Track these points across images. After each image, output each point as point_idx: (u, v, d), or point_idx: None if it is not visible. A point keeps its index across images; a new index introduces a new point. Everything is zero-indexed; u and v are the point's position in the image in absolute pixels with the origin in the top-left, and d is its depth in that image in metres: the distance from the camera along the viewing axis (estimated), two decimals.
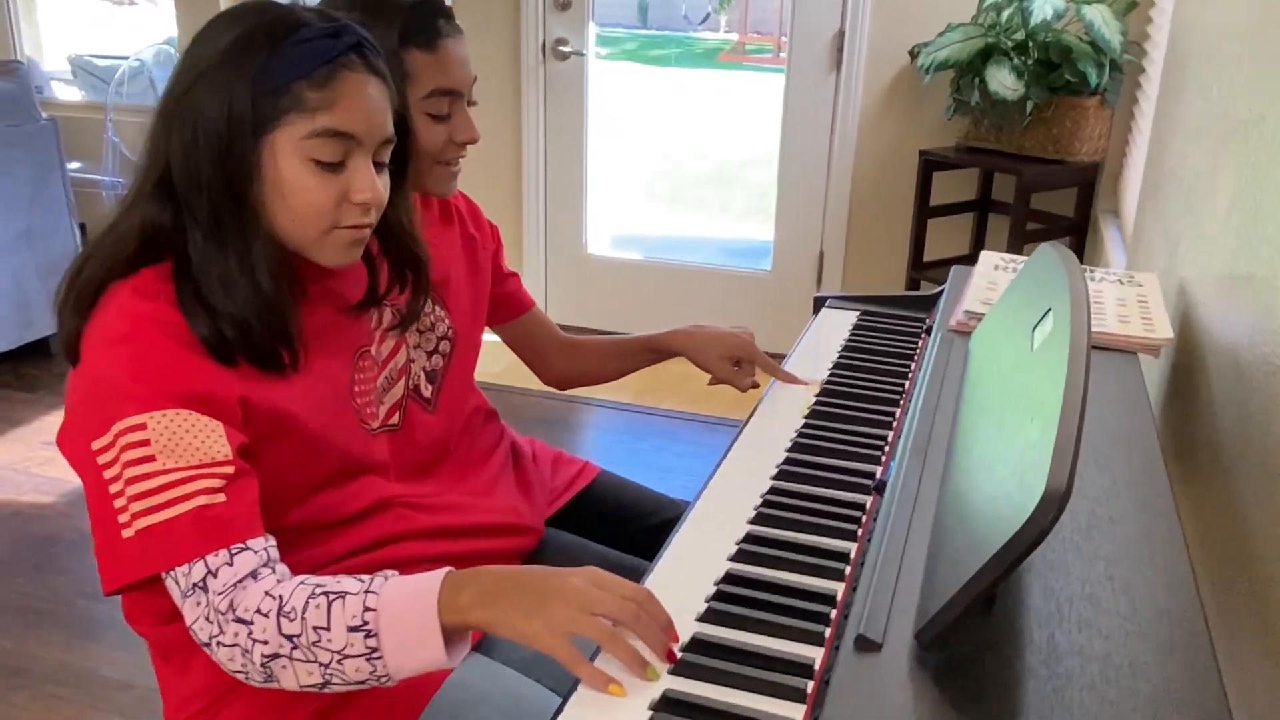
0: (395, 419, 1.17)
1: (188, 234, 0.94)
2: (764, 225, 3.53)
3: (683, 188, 7.22)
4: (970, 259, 3.17)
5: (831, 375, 1.35)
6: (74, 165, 3.68)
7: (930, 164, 3.03)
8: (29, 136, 3.08)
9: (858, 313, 1.59)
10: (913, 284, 3.16)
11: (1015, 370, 0.94)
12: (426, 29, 1.16)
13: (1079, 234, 3.00)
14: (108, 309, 0.92)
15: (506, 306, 1.45)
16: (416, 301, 1.15)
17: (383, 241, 1.10)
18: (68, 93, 4.62)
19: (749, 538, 0.96)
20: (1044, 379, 0.81)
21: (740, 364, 1.44)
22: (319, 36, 0.94)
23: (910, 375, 1.33)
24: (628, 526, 1.45)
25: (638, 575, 0.89)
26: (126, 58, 4.28)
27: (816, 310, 1.65)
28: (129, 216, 0.95)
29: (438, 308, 1.28)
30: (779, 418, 1.23)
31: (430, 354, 1.25)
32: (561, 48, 3.41)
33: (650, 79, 12.16)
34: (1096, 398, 1.12)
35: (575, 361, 1.51)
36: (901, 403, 1.25)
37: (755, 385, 1.42)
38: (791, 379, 1.36)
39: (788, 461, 1.11)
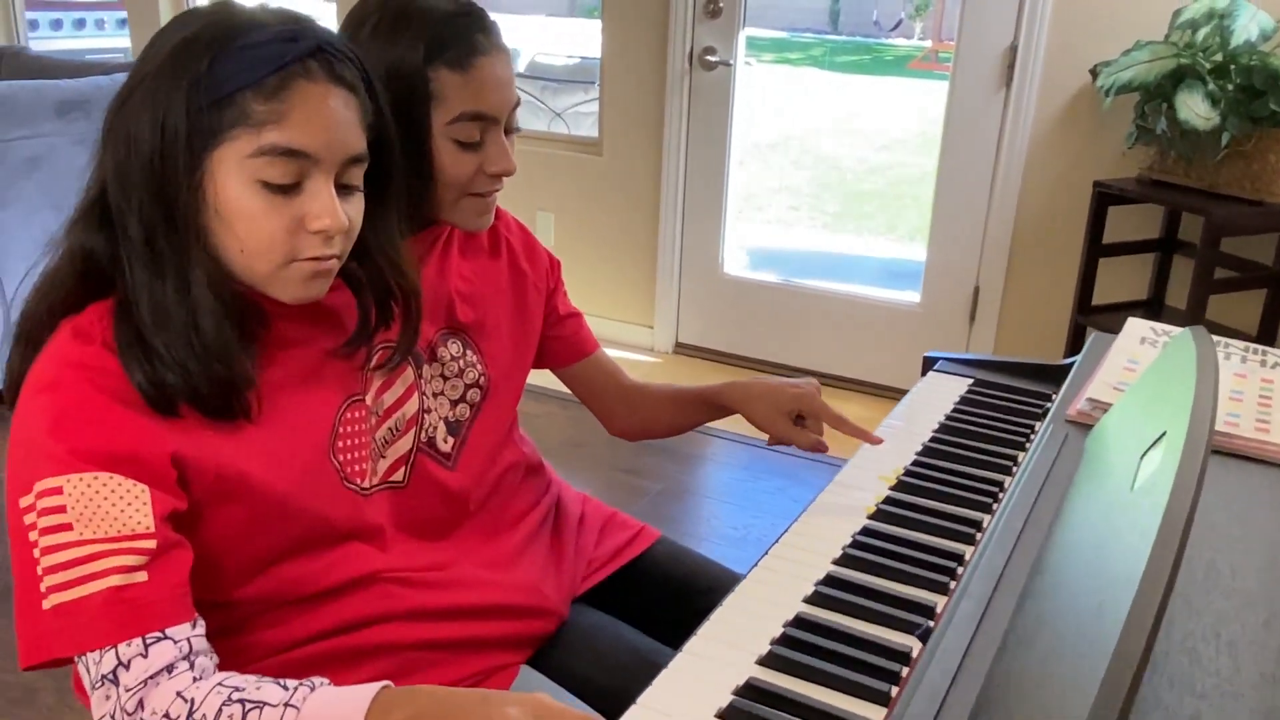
0: (400, 475, 1.05)
1: (124, 265, 0.83)
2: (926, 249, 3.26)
3: (851, 203, 6.93)
4: (1149, 306, 2.82)
5: (916, 461, 1.13)
6: None
7: (1105, 197, 2.70)
8: None
9: (970, 380, 1.37)
10: (1078, 330, 2.83)
11: (1113, 509, 0.72)
12: (459, 45, 1.02)
13: (1276, 287, 2.61)
14: (45, 351, 0.83)
15: (564, 350, 1.31)
16: (406, 340, 1.02)
17: (366, 277, 0.97)
18: None
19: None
20: (1135, 539, 0.60)
21: (802, 420, 1.24)
22: (272, 40, 0.82)
23: (1013, 471, 1.10)
24: (677, 604, 1.28)
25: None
26: None
27: (926, 370, 1.43)
28: (66, 243, 0.85)
29: (469, 351, 1.14)
30: (858, 485, 1.04)
31: (455, 403, 1.12)
32: (709, 57, 3.25)
33: (836, 86, 11.83)
34: (1228, 513, 0.88)
35: (638, 413, 1.35)
36: (993, 506, 1.03)
37: (823, 447, 1.22)
38: (863, 435, 1.16)
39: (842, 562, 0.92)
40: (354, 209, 0.88)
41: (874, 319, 3.29)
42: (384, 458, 1.03)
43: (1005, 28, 2.89)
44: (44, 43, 5.01)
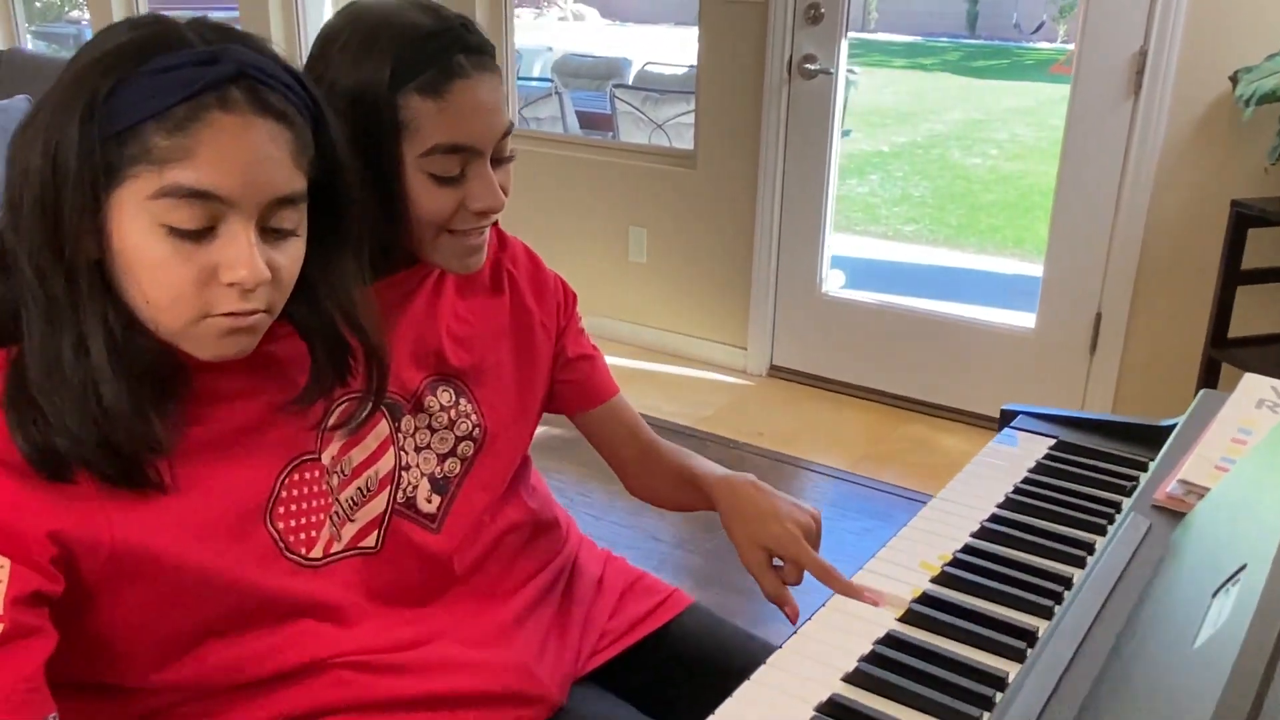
0: (373, 540, 0.94)
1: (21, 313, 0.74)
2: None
3: (975, 215, 6.60)
4: None
5: (967, 548, 0.96)
6: None
7: (1245, 218, 2.42)
8: None
9: (1051, 441, 1.18)
10: (1211, 365, 2.55)
11: (1171, 664, 0.55)
12: (433, 67, 0.90)
13: None
14: None
15: (574, 396, 1.17)
16: (369, 397, 0.90)
17: (315, 326, 0.86)
18: None
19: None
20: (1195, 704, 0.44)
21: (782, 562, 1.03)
22: (184, 64, 0.71)
23: (1084, 562, 0.92)
24: (702, 686, 1.13)
25: None
26: None
27: (1003, 425, 1.25)
28: None
29: (463, 400, 1.03)
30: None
31: (444, 457, 1.01)
32: (808, 65, 3.07)
33: (970, 91, 11.39)
34: None
35: (648, 479, 1.20)
36: (1054, 611, 0.85)
37: (790, 608, 1.02)
38: (857, 595, 0.93)
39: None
40: (286, 256, 0.77)
41: (983, 345, 3.05)
42: (352, 521, 0.93)
43: (1134, 30, 2.63)
44: None
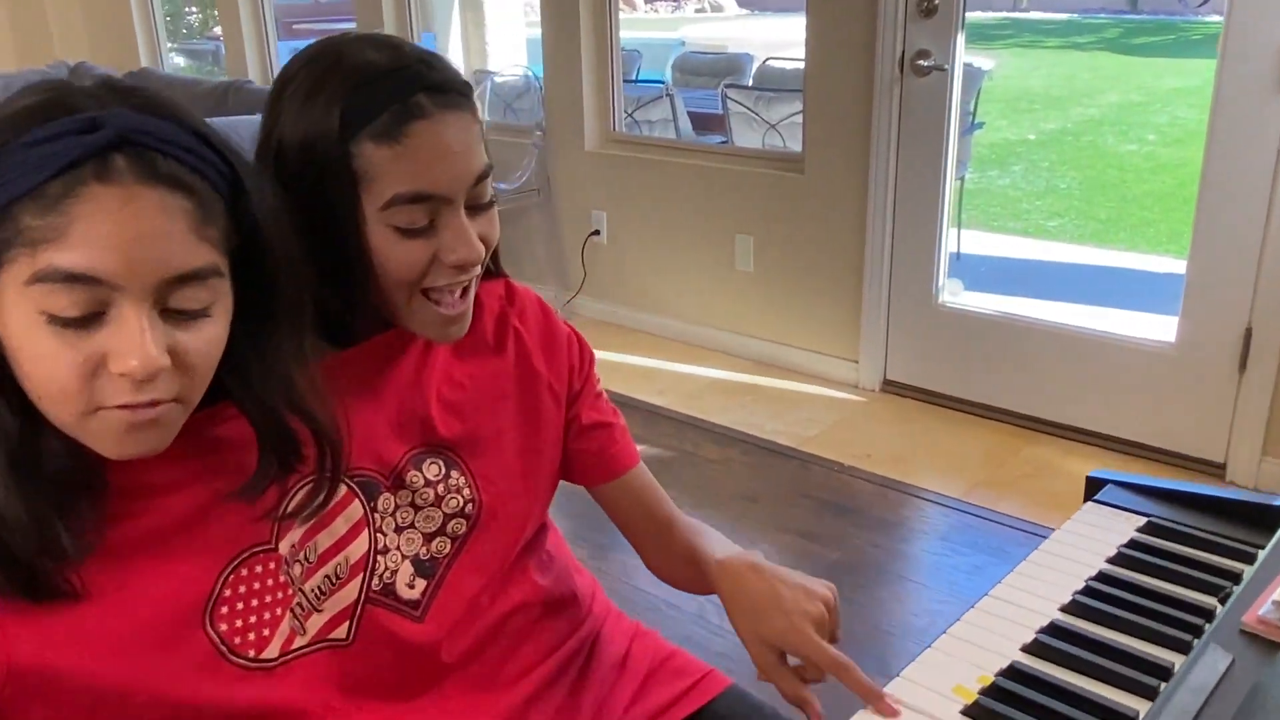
0: (343, 632, 0.86)
1: None
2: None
3: (1128, 207, 6.15)
4: None
5: (1014, 669, 0.81)
6: None
7: None
8: None
9: (1143, 521, 1.00)
10: None
11: None
12: (388, 109, 0.81)
13: None
14: None
15: (587, 468, 1.07)
16: (322, 484, 0.82)
17: (254, 410, 0.78)
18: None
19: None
20: None
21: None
22: (62, 134, 0.64)
23: (1154, 694, 0.76)
24: None
25: None
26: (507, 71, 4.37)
27: (1088, 496, 1.08)
28: None
29: (454, 473, 0.94)
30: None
31: (430, 537, 0.92)
32: (921, 61, 2.87)
33: (1129, 71, 10.70)
34: None
35: (664, 558, 1.09)
36: None
37: (810, 707, 0.88)
38: (877, 700, 0.80)
39: None
40: (196, 338, 0.69)
41: (1116, 359, 2.79)
42: (319, 612, 0.85)
43: None
44: None
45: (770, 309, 3.40)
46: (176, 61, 5.83)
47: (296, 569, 0.83)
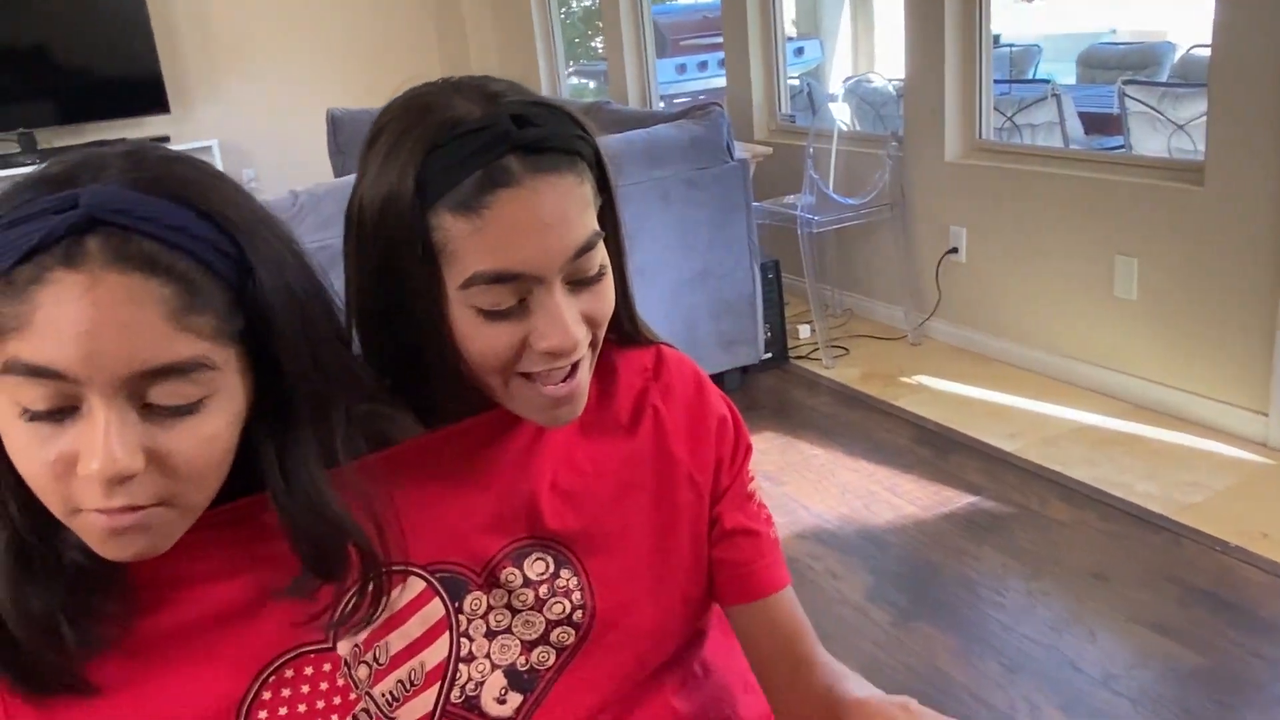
0: None
1: None
2: None
3: None
4: None
5: None
6: (788, 199, 3.65)
7: None
8: (716, 178, 3.10)
9: None
10: None
11: None
12: (469, 175, 0.69)
13: None
14: None
15: (727, 582, 0.87)
16: (365, 598, 0.71)
17: (285, 511, 0.69)
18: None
19: None
20: None
21: None
22: (40, 212, 0.58)
23: None
24: None
25: None
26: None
27: None
28: None
29: (565, 572, 0.81)
30: None
31: (531, 645, 0.79)
32: None
33: None
34: None
35: (794, 703, 0.86)
36: None
37: None
38: None
39: None
40: (182, 438, 0.61)
41: None
42: (394, 718, 0.75)
43: None
44: (670, 86, 5.46)
45: (1155, 345, 2.87)
46: (572, 82, 6.20)
47: (363, 670, 0.74)
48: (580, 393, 0.76)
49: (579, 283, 0.74)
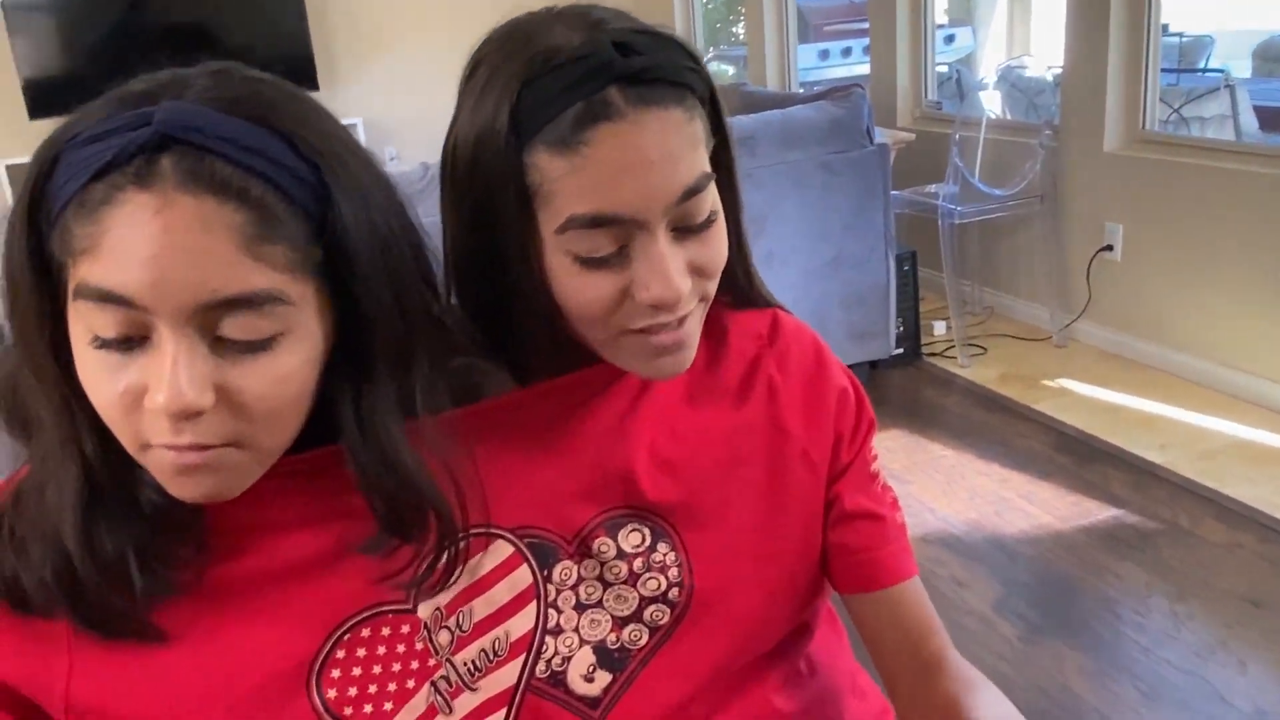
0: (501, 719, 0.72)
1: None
2: None
3: None
4: None
5: None
6: (930, 188, 3.49)
7: None
8: (853, 163, 2.98)
9: None
10: None
11: None
12: (568, 109, 0.64)
13: None
14: None
15: (845, 568, 0.80)
16: (440, 554, 0.67)
17: (358, 463, 0.65)
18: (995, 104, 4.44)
19: None
20: None
21: None
22: (117, 129, 0.55)
23: None
24: None
25: None
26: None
27: None
28: None
29: (662, 545, 0.75)
30: None
31: (623, 622, 0.74)
32: None
33: None
34: None
35: (920, 706, 0.77)
36: None
37: None
38: None
39: None
40: (252, 376, 0.58)
41: None
42: (472, 690, 0.71)
43: None
44: (811, 73, 5.31)
45: None
46: (711, 67, 6.12)
47: (444, 636, 0.70)
48: (688, 343, 0.70)
49: (686, 229, 0.67)
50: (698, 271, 0.68)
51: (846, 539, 0.78)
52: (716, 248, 0.69)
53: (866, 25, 4.26)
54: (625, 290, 0.67)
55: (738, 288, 0.79)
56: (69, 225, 0.56)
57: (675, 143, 0.65)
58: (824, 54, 5.58)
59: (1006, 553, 2.28)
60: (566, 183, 0.64)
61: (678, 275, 0.66)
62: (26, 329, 0.59)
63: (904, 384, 3.29)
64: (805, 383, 0.79)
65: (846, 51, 5.57)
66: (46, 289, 0.58)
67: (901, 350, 3.28)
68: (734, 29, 6.91)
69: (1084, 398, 3.05)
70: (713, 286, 0.71)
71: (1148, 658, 1.90)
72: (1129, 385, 3.07)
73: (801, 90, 4.91)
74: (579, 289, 0.67)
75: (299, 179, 0.58)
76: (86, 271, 0.55)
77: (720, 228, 0.70)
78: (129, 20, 4.70)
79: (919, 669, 0.77)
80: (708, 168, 0.67)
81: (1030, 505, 2.44)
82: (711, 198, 0.68)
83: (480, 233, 0.69)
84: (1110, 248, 3.21)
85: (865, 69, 4.39)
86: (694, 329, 0.70)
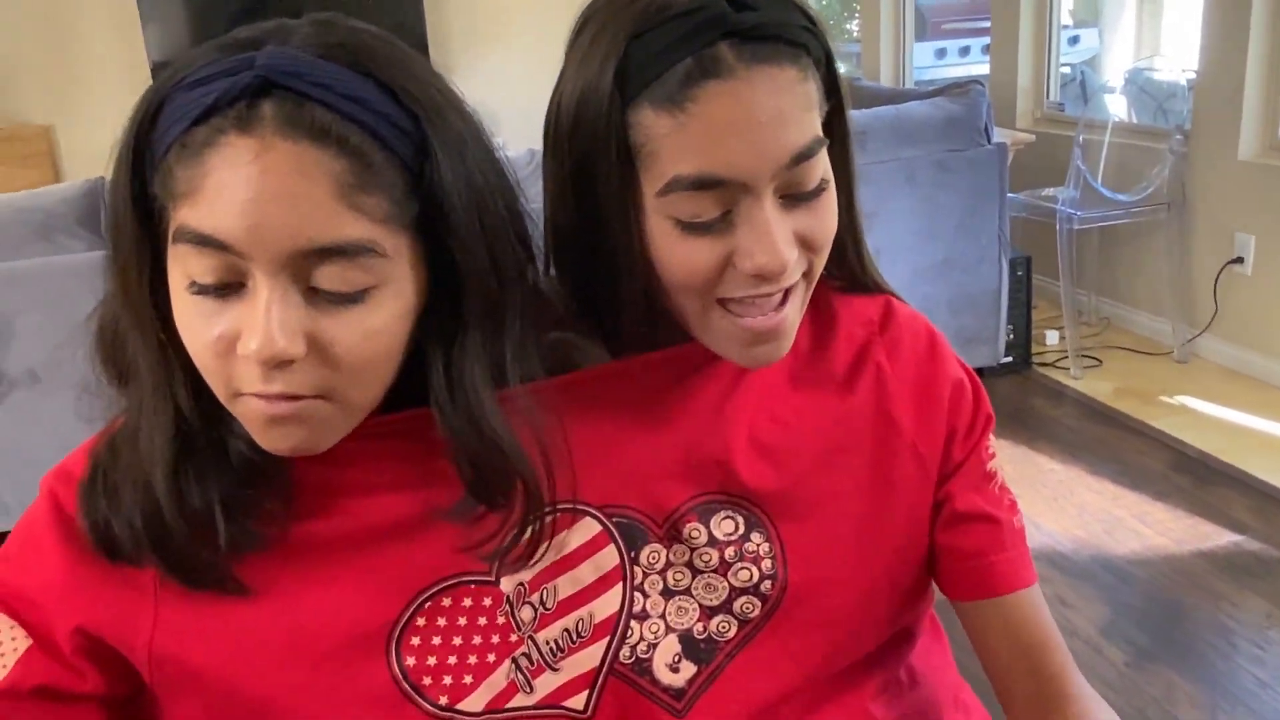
0: (579, 703, 0.70)
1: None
2: None
3: None
4: None
5: None
6: (1048, 191, 3.35)
7: None
8: (969, 162, 2.89)
9: None
10: None
11: None
12: (675, 65, 0.61)
13: None
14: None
15: (957, 574, 0.75)
16: (525, 527, 0.65)
17: (447, 426, 0.63)
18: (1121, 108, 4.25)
19: None
20: None
21: None
22: (217, 74, 0.55)
23: None
24: None
25: None
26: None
27: None
28: None
29: (756, 535, 0.72)
30: None
31: (711, 612, 0.71)
32: None
33: None
34: None
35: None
36: None
37: None
38: None
39: None
40: (343, 328, 0.57)
41: None
42: (554, 670, 0.69)
43: None
44: (927, 71, 5.17)
45: None
46: None
47: (527, 612, 0.68)
48: (786, 330, 0.67)
49: (794, 197, 0.64)
50: (805, 243, 0.65)
51: (958, 542, 0.74)
52: (826, 219, 0.66)
53: (987, 24, 4.13)
54: (727, 259, 0.63)
55: (848, 267, 0.75)
56: (171, 168, 0.56)
57: (787, 103, 0.61)
58: (941, 52, 5.44)
59: (1116, 574, 2.17)
60: (671, 142, 0.61)
61: (784, 244, 0.63)
62: (127, 274, 0.59)
63: (1012, 394, 3.17)
64: (917, 373, 0.75)
65: (965, 50, 5.42)
66: (148, 234, 0.58)
67: (1010, 359, 3.17)
68: (847, 25, 6.79)
69: (1205, 416, 2.90)
70: (820, 261, 0.67)
71: (1265, 692, 1.79)
72: (1255, 405, 2.90)
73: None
74: (680, 255, 0.64)
75: (399, 129, 0.57)
76: (186, 215, 0.55)
77: (831, 198, 0.66)
78: (255, 6, 4.85)
79: (1038, 687, 0.72)
80: (820, 133, 0.64)
81: (1144, 526, 2.33)
82: (823, 165, 0.65)
83: (580, 197, 0.66)
84: (1241, 260, 3.04)
85: (983, 68, 4.26)
86: (793, 314, 0.67)
